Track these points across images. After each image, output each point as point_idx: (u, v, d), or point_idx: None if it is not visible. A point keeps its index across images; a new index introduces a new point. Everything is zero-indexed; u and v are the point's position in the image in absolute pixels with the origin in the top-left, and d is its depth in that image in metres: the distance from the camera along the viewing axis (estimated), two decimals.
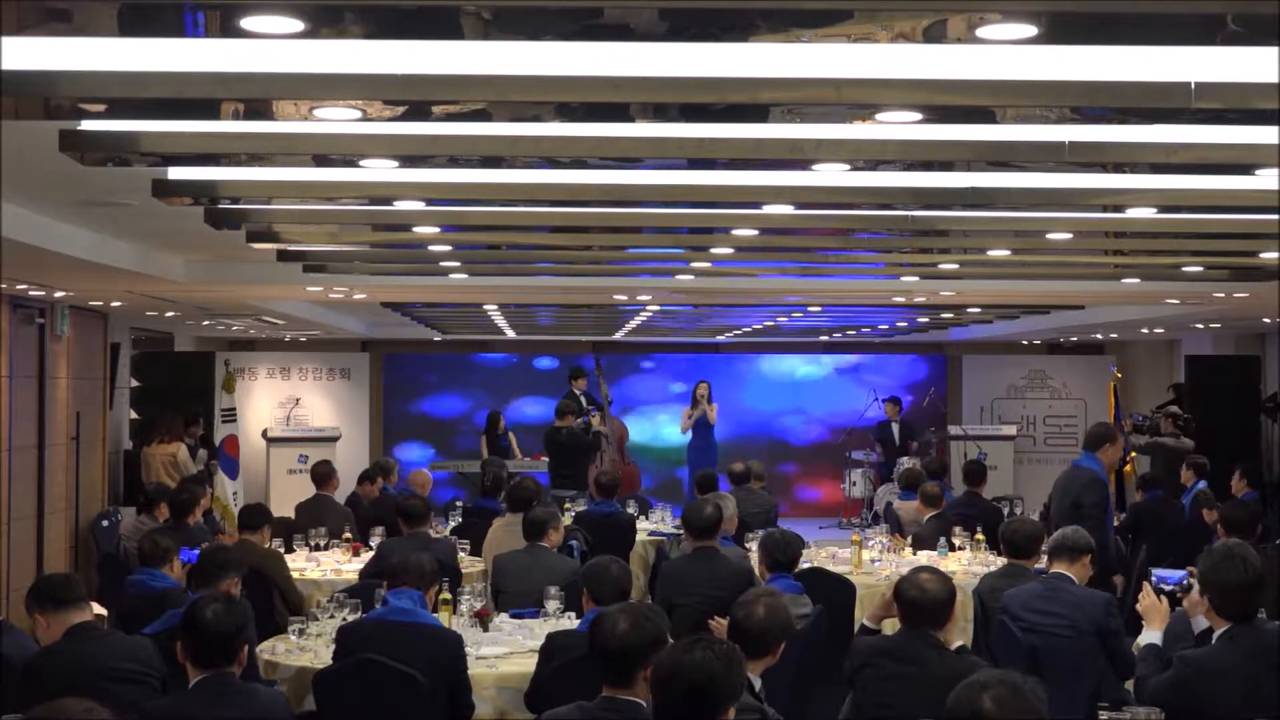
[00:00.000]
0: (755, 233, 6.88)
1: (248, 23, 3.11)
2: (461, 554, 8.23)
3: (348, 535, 8.94)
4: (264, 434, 15.91)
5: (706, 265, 8.60)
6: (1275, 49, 3.44)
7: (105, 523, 10.69)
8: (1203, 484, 10.50)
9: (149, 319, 13.18)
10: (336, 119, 4.01)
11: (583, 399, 14.68)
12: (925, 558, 8.67)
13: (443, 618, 5.94)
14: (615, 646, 3.70)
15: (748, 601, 4.52)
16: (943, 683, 3.30)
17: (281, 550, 8.18)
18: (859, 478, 16.40)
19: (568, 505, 10.65)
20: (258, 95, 3.81)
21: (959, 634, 4.75)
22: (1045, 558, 6.21)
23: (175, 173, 5.35)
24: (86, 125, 4.40)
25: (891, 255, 8.22)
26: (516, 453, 14.60)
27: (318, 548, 8.64)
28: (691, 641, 3.36)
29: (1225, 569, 4.48)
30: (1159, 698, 4.47)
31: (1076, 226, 6.66)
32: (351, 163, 4.91)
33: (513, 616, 6.34)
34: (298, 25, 3.12)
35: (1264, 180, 4.96)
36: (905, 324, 15.06)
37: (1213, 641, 4.51)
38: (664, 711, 3.33)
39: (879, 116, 3.96)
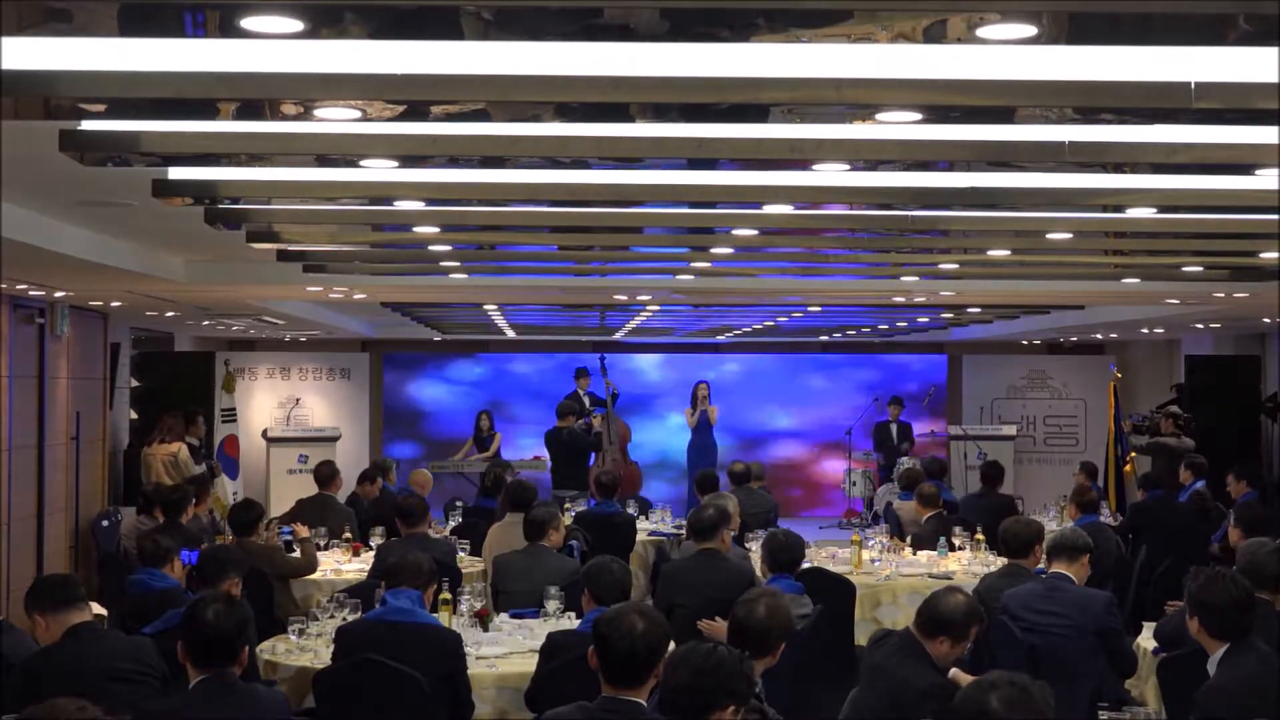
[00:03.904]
0: (755, 233, 6.88)
1: (248, 23, 3.11)
2: (461, 554, 8.23)
3: (348, 535, 8.95)
4: (264, 434, 15.91)
5: (706, 265, 8.60)
6: (1275, 49, 3.44)
7: (105, 523, 10.69)
8: (1201, 483, 10.51)
9: (149, 319, 13.19)
10: (336, 119, 4.00)
11: (586, 399, 14.73)
12: (925, 558, 8.68)
13: (443, 618, 5.94)
14: (635, 647, 3.61)
15: (749, 600, 4.52)
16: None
17: (279, 546, 8.19)
18: (859, 478, 16.41)
19: (568, 505, 10.66)
20: (258, 95, 3.81)
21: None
22: (1045, 558, 6.21)
23: (175, 173, 5.35)
24: (86, 125, 4.40)
25: (891, 255, 8.22)
26: (495, 450, 14.73)
27: (318, 548, 8.65)
28: (703, 640, 3.49)
29: (1214, 589, 4.50)
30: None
31: (1076, 226, 6.66)
32: (351, 163, 4.91)
33: (513, 616, 6.35)
34: (298, 25, 3.12)
35: (1264, 180, 4.96)
36: (905, 324, 15.06)
37: (1209, 668, 4.51)
38: (669, 695, 3.38)
39: (879, 116, 3.96)
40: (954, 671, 4.52)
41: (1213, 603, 4.49)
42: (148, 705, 4.43)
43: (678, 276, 9.28)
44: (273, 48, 3.53)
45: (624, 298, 11.10)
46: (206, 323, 14.12)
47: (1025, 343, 17.74)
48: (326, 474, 9.84)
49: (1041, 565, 6.34)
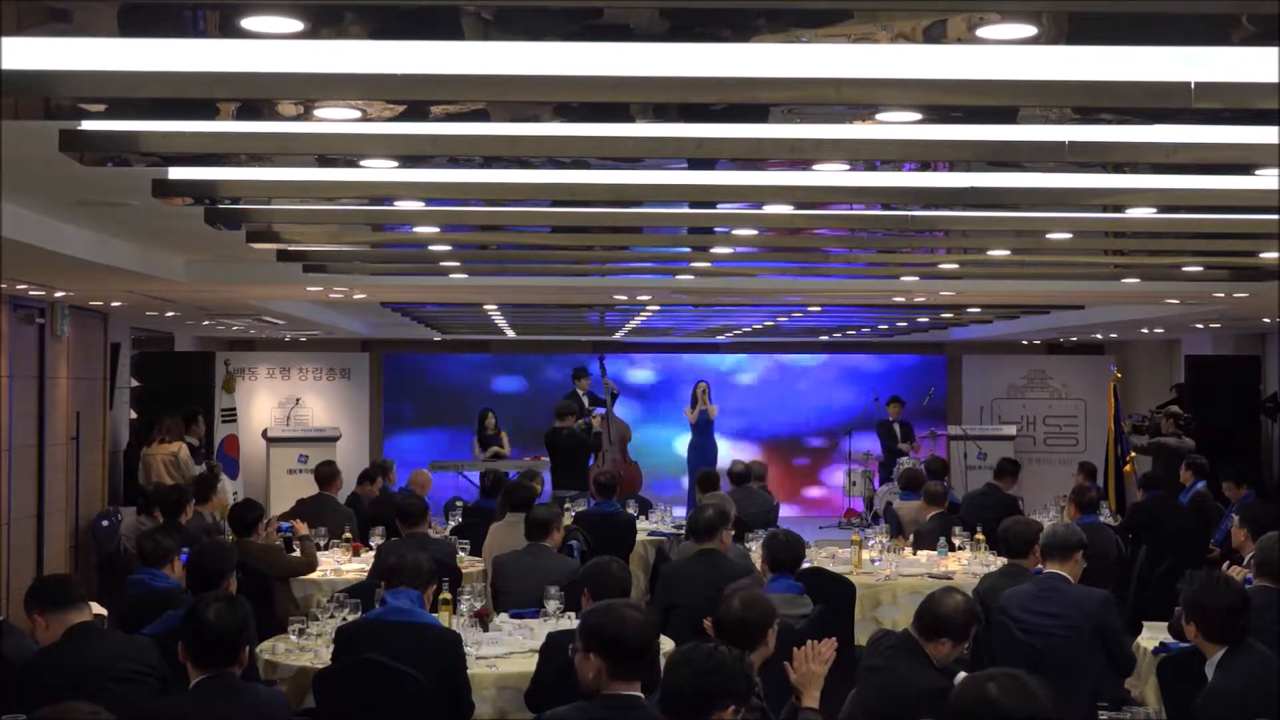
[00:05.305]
0: (755, 233, 6.88)
1: (248, 23, 3.11)
2: (461, 554, 8.23)
3: (348, 535, 8.95)
4: (264, 434, 15.91)
5: (706, 265, 8.60)
6: (1275, 49, 3.44)
7: (105, 523, 10.69)
8: (1202, 484, 10.51)
9: (149, 319, 13.19)
10: (336, 119, 4.01)
11: (586, 399, 14.73)
12: (925, 558, 8.68)
13: (443, 618, 5.94)
14: (625, 633, 3.68)
15: (725, 598, 4.53)
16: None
17: (279, 545, 8.19)
18: (859, 478, 16.41)
19: (568, 505, 10.65)
20: (258, 95, 3.81)
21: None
22: (1039, 558, 6.22)
23: (175, 173, 5.35)
24: (86, 125, 4.40)
25: (891, 255, 8.22)
26: (505, 449, 14.69)
27: (318, 548, 8.64)
28: (704, 640, 3.53)
29: (1210, 593, 4.53)
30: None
31: (1076, 226, 6.66)
32: (351, 163, 4.91)
33: (513, 616, 6.34)
34: (298, 25, 3.12)
35: (1264, 180, 4.96)
36: (905, 324, 15.06)
37: (1206, 671, 4.54)
38: (669, 695, 3.39)
39: (879, 116, 3.96)
40: (961, 674, 4.53)
41: (1209, 606, 4.52)
42: (148, 705, 4.43)
43: (678, 276, 9.28)
44: (273, 48, 3.53)
45: (624, 298, 11.10)
46: (206, 323, 14.13)
47: (1025, 343, 17.74)
48: (327, 474, 9.85)
49: (1040, 565, 6.34)
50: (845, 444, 16.95)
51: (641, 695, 3.69)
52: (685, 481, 16.41)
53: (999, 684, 2.99)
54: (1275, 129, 4.22)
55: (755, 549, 8.01)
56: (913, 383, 17.80)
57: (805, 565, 6.81)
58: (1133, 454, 14.20)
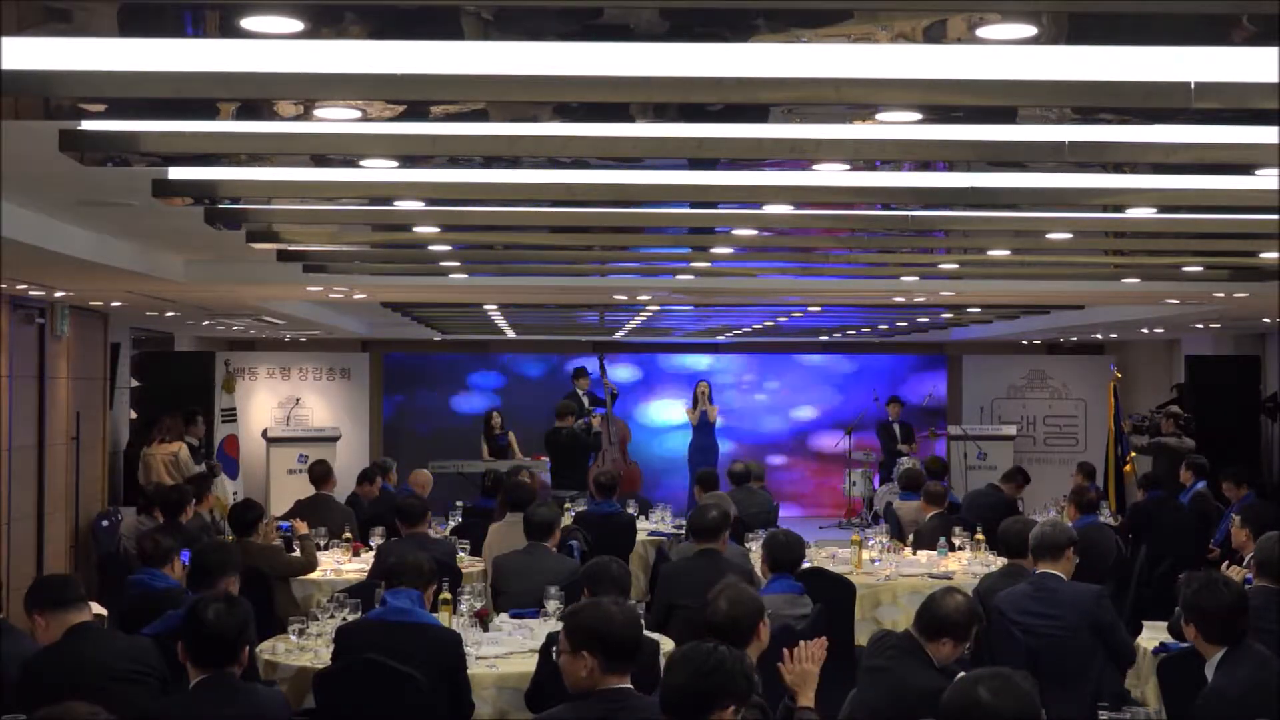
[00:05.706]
0: (755, 233, 6.88)
1: (247, 23, 3.11)
2: (461, 554, 8.23)
3: (348, 535, 8.95)
4: (264, 434, 15.91)
5: (706, 265, 8.60)
6: (1275, 49, 3.44)
7: (105, 523, 10.69)
8: (1202, 484, 10.51)
9: (149, 319, 13.19)
10: (336, 119, 4.01)
11: (585, 399, 14.72)
12: (925, 558, 8.68)
13: (443, 618, 5.94)
14: (611, 628, 3.74)
15: (712, 599, 4.53)
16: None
17: (279, 545, 8.19)
18: (859, 478, 16.41)
19: (568, 505, 10.65)
20: (257, 95, 3.81)
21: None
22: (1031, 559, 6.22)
23: (175, 173, 5.35)
24: (86, 125, 4.40)
25: (891, 255, 8.22)
26: (516, 452, 14.60)
27: (318, 547, 8.64)
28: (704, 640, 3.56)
29: (1209, 594, 4.54)
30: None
31: (1076, 226, 6.66)
32: (351, 163, 4.91)
33: (513, 616, 6.34)
34: (298, 25, 3.12)
35: (1264, 180, 4.96)
36: (905, 324, 15.06)
37: (1206, 671, 4.55)
38: (669, 695, 3.40)
39: (879, 116, 3.96)
40: (961, 675, 4.54)
41: (1208, 608, 4.53)
42: (149, 705, 4.43)
43: (678, 276, 9.28)
44: (273, 48, 3.53)
45: (624, 298, 11.10)
46: (206, 323, 14.12)
47: (1025, 343, 17.74)
48: (321, 473, 9.84)
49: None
50: (844, 444, 16.93)
51: (633, 687, 3.73)
52: (672, 483, 16.46)
53: (987, 685, 3.01)
54: (1275, 129, 4.22)
55: (755, 549, 8.01)
56: (911, 381, 17.82)
57: (805, 565, 6.81)
58: (1133, 454, 14.20)
